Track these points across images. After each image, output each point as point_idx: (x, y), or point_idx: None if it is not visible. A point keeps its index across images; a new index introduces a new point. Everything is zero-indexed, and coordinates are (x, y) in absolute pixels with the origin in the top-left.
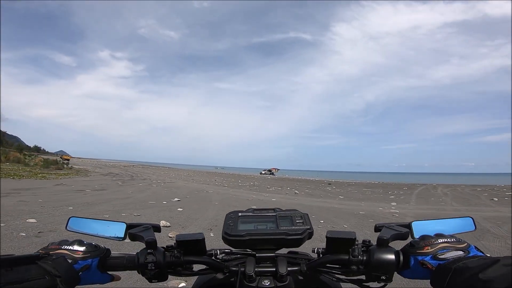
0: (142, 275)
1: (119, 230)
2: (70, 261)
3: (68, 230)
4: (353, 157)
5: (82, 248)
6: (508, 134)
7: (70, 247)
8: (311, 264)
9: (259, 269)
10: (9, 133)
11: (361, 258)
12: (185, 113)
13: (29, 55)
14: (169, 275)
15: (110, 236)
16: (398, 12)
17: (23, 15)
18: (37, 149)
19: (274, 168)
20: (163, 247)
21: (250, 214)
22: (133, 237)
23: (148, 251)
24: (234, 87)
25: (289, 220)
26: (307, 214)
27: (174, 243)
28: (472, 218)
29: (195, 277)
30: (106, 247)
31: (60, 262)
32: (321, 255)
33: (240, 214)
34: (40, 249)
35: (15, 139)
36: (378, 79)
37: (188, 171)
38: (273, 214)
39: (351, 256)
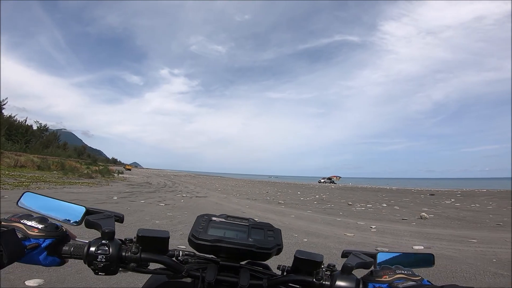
0: (88, 266)
1: (76, 214)
2: (20, 236)
3: (18, 206)
4: (423, 162)
5: (40, 226)
6: None
7: (29, 223)
8: (274, 281)
9: (220, 278)
10: (93, 147)
11: (324, 282)
12: (239, 124)
13: (106, 77)
14: (120, 270)
15: (64, 219)
16: (454, 4)
17: (96, 41)
18: (114, 161)
19: (335, 176)
20: (121, 240)
21: (223, 220)
22: (90, 224)
23: (103, 241)
24: (285, 96)
25: (261, 233)
26: (280, 230)
27: (134, 237)
28: (433, 255)
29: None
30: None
31: (8, 236)
32: (285, 273)
33: (212, 218)
34: (3, 219)
35: (98, 152)
36: (445, 75)
37: (239, 180)
38: (246, 224)
39: (314, 279)
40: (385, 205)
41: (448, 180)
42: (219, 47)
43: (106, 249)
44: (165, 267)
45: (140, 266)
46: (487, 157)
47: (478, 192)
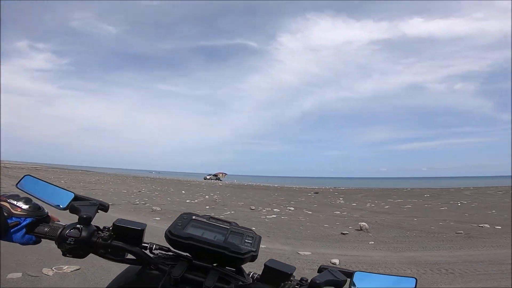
0: (58, 247)
1: (64, 199)
2: (6, 214)
3: (17, 187)
4: (291, 163)
5: (24, 206)
6: (415, 144)
7: (14, 202)
8: (241, 287)
9: (187, 275)
10: None
11: None
12: (120, 114)
13: None
14: (90, 254)
15: (53, 204)
16: (336, 27)
17: None
18: None
19: (220, 173)
20: (97, 227)
21: (204, 220)
22: (72, 209)
23: (77, 226)
24: (176, 90)
25: (238, 238)
26: (260, 237)
27: (111, 226)
28: (416, 279)
29: (119, 264)
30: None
31: None
32: (254, 281)
33: (194, 217)
34: None
35: None
36: (314, 89)
37: (109, 175)
38: (226, 227)
39: None
40: (292, 208)
41: (310, 179)
42: (110, 28)
43: (77, 233)
44: (135, 258)
45: (111, 254)
46: (336, 160)
47: (351, 190)
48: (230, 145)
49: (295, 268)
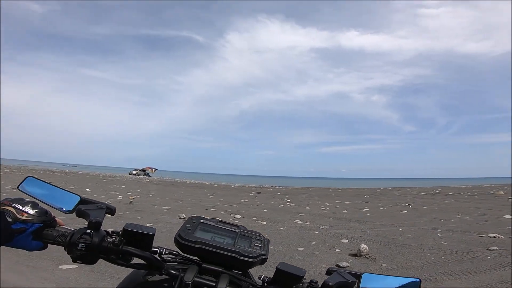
0: (68, 254)
1: (70, 202)
2: (10, 220)
3: (19, 189)
4: (231, 161)
5: (29, 211)
6: (337, 147)
7: (20, 207)
8: None
9: (199, 280)
10: None
11: None
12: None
13: None
14: (99, 260)
15: (58, 207)
16: (284, 32)
17: None
18: None
19: (149, 168)
20: (107, 231)
21: (212, 224)
22: (80, 213)
23: (87, 231)
24: (105, 76)
25: (248, 241)
26: (268, 240)
27: (121, 230)
28: (420, 280)
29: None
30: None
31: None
32: (265, 284)
33: (202, 220)
34: None
35: None
36: (253, 89)
37: (9, 168)
38: (235, 230)
39: None
40: (238, 216)
41: (246, 177)
42: (36, 6)
43: (88, 239)
44: (145, 263)
45: (121, 259)
46: (270, 159)
47: (291, 190)
48: (165, 139)
49: (305, 271)
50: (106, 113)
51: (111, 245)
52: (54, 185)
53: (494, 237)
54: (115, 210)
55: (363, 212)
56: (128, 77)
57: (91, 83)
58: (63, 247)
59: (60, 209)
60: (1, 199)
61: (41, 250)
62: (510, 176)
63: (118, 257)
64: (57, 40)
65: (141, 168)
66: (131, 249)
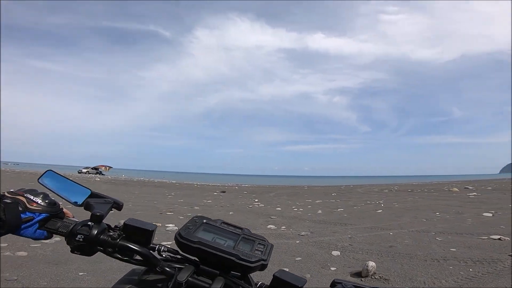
0: (67, 244)
1: (81, 196)
2: (20, 209)
3: (38, 182)
4: (194, 159)
5: (40, 202)
6: (300, 146)
7: (31, 197)
8: None
9: (193, 281)
10: None
11: None
12: None
13: None
14: (97, 253)
15: (70, 200)
16: (253, 31)
17: None
18: None
19: (103, 166)
20: (108, 225)
21: (216, 225)
22: (87, 207)
23: (89, 223)
24: (59, 69)
25: (249, 245)
26: (272, 246)
27: (122, 225)
28: None
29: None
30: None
31: (11, 207)
32: None
33: (205, 221)
34: (8, 191)
35: None
36: (220, 87)
37: None
38: (238, 233)
39: None
40: None
41: (210, 175)
42: None
43: (87, 230)
44: (141, 259)
45: (118, 253)
46: (235, 157)
47: (257, 188)
48: (125, 136)
49: (306, 281)
50: (59, 107)
51: (109, 238)
52: (70, 179)
53: (499, 239)
54: (122, 205)
55: (339, 212)
56: (86, 70)
57: (43, 75)
58: (64, 238)
59: (71, 202)
60: (16, 189)
61: (45, 239)
62: (456, 174)
63: (115, 250)
64: (6, 30)
65: (93, 166)
66: (127, 243)
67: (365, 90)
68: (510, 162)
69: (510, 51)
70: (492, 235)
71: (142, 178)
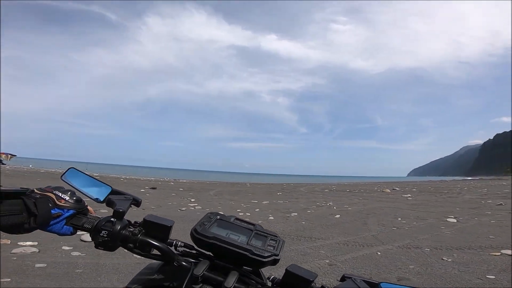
0: (92, 239)
1: (102, 193)
2: (50, 205)
3: (61, 179)
4: (127, 150)
5: (68, 198)
6: (242, 143)
7: (60, 194)
8: None
9: (208, 274)
10: None
11: None
12: None
13: None
14: (119, 248)
15: (92, 197)
16: (209, 25)
17: None
18: None
19: (3, 153)
20: (129, 221)
21: (229, 221)
22: (109, 203)
23: (111, 219)
24: None
25: (262, 240)
26: (284, 241)
27: (141, 221)
28: None
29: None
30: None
31: (42, 202)
32: (274, 285)
33: (219, 217)
34: (36, 188)
35: None
36: (164, 77)
37: None
38: (250, 229)
39: None
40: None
41: (143, 168)
42: None
43: (111, 226)
44: (160, 254)
45: (138, 248)
46: (174, 151)
47: (196, 184)
48: (39, 122)
49: (316, 275)
50: None
51: (130, 234)
52: (91, 176)
53: None
54: (140, 201)
55: (294, 219)
56: (7, 48)
57: None
58: (89, 233)
59: (94, 199)
60: (45, 187)
61: (70, 235)
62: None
63: (136, 246)
64: None
65: None
66: (147, 239)
67: (306, 94)
68: (416, 167)
69: (429, 68)
70: (501, 249)
71: (58, 169)
